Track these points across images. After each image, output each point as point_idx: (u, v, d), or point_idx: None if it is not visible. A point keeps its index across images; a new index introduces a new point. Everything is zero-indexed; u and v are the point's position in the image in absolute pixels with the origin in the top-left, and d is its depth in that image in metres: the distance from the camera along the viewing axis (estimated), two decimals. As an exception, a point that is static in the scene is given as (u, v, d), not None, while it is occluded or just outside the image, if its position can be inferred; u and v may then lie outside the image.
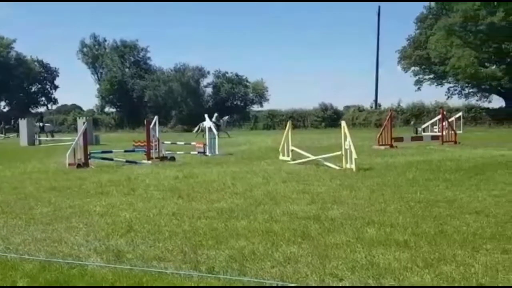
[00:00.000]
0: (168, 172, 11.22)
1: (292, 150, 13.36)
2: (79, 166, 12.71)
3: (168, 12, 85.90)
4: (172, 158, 14.48)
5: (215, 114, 34.44)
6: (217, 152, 16.05)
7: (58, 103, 65.70)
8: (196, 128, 33.43)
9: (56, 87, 65.04)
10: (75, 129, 29.13)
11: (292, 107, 49.00)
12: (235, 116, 36.15)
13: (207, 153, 15.95)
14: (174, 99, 51.08)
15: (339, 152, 11.54)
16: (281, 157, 13.64)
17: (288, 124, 13.93)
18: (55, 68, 64.86)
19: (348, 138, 11.24)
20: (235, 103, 53.30)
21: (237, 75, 53.74)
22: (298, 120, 46.16)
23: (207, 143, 16.16)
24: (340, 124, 12.05)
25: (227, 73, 53.80)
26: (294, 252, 4.50)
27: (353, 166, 10.88)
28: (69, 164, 12.92)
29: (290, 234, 5.14)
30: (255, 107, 53.74)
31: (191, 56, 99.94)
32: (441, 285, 3.65)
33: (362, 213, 6.17)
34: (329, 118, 45.43)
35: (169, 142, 18.67)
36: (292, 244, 4.76)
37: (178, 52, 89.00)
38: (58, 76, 64.70)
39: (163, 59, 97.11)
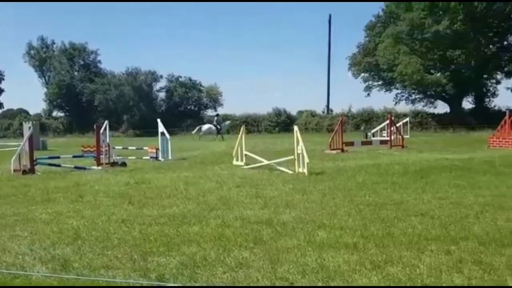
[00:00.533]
0: (119, 178, 10.98)
1: (245, 155, 13.39)
2: (24, 172, 12.23)
3: (119, 16, 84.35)
4: (123, 164, 14.19)
5: (216, 117, 34.73)
6: (170, 157, 15.87)
7: (3, 107, 62.97)
8: (196, 130, 33.66)
9: (1, 91, 62.37)
10: (21, 134, 28.05)
11: (246, 112, 49.19)
12: (228, 123, 36.28)
13: (160, 158, 15.74)
14: (125, 104, 50.10)
15: (292, 157, 11.67)
16: (234, 162, 13.64)
17: (242, 129, 13.96)
18: (0, 71, 62.26)
19: (301, 143, 11.38)
20: (188, 108, 52.89)
21: (190, 79, 53.37)
22: (252, 124, 46.35)
23: (160, 148, 15.96)
24: (293, 129, 12.19)
25: (180, 77, 53.36)
26: (246, 257, 4.50)
27: (305, 170, 11.03)
28: (14, 171, 12.42)
29: (242, 239, 5.14)
30: (209, 112, 53.54)
31: (144, 60, 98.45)
32: (388, 285, 3.75)
33: (314, 217, 6.25)
34: (282, 123, 45.84)
35: (120, 147, 18.30)
36: (244, 249, 4.76)
37: (129, 56, 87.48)
38: (3, 79, 62.06)
39: (114, 62, 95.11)
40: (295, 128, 12.09)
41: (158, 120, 16.90)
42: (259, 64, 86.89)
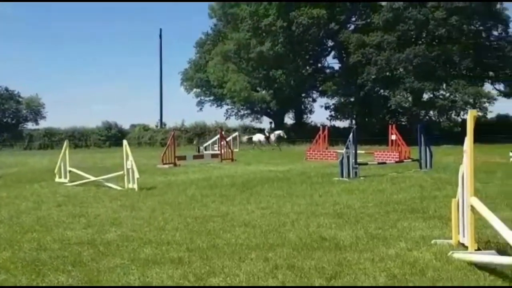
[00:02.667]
0: None
1: (70, 171, 12.57)
2: None
3: None
4: None
5: (269, 127, 33.09)
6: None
7: None
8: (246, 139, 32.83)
9: None
10: None
11: (73, 125, 46.23)
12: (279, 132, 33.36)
13: (-34, 178, 13.88)
14: None
15: (122, 172, 11.31)
16: (57, 179, 12.70)
17: (65, 143, 13.07)
18: None
19: (130, 157, 11.10)
20: (5, 121, 47.73)
21: (7, 89, 48.33)
22: (79, 139, 43.74)
23: None
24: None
25: (-6, 87, 47.92)
26: (62, 281, 4.21)
27: (135, 186, 10.78)
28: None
29: (59, 262, 4.80)
30: (30, 125, 49.01)
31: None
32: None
33: (141, 234, 6.13)
34: (113, 136, 44.11)
35: None
36: (61, 273, 4.45)
37: None
38: None
39: None
40: (124, 142, 11.76)
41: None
42: (87, 75, 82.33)
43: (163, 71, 49.89)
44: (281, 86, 41.35)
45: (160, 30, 50.49)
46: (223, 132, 24.35)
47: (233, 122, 46.37)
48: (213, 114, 59.49)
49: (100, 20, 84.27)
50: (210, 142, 29.22)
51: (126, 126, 48.54)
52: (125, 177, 11.16)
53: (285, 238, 5.67)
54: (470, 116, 4.91)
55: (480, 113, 41.76)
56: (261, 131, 35.68)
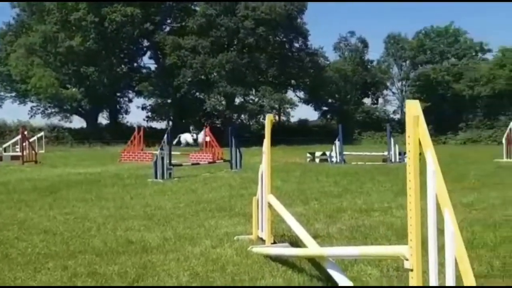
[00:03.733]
0: None
1: None
2: None
3: None
4: None
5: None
6: None
7: None
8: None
9: None
10: None
11: None
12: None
13: None
14: None
15: None
16: None
17: None
18: None
19: None
20: None
21: None
22: None
23: None
24: None
25: None
26: None
27: None
28: None
29: None
30: None
31: None
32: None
33: None
34: None
35: None
36: None
37: None
38: None
39: None
40: None
41: None
42: None
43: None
44: (94, 84, 39.43)
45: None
46: (25, 132, 22.14)
47: (39, 121, 42.66)
48: (15, 112, 53.92)
49: None
50: (10, 143, 26.31)
51: None
52: None
53: (88, 244, 5.39)
54: (267, 120, 5.32)
55: (284, 118, 45.82)
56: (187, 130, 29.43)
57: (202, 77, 39.71)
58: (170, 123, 43.36)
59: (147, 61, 46.01)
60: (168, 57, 38.71)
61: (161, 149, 13.29)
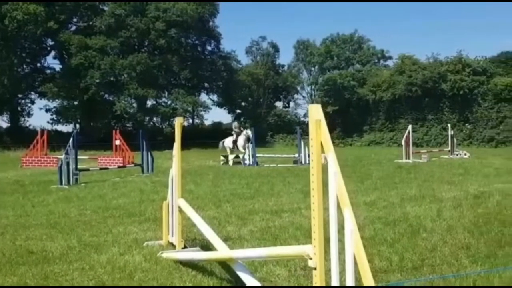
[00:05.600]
0: None
1: None
2: None
3: None
4: None
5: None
6: None
7: None
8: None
9: None
10: None
11: None
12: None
13: None
14: None
15: None
16: None
17: None
18: None
19: None
20: None
21: None
22: None
23: None
24: None
25: None
26: None
27: None
28: None
29: None
30: None
31: None
32: None
33: None
34: None
35: None
36: None
37: None
38: None
39: None
40: None
41: None
42: None
43: None
44: (-9, 85, 36.64)
45: None
46: None
47: None
48: None
49: None
50: None
51: None
52: None
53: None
54: (177, 123, 5.27)
55: (198, 121, 45.60)
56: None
57: (112, 78, 38.36)
58: (78, 126, 41.43)
59: (52, 61, 43.60)
60: (74, 57, 36.94)
61: (66, 153, 12.67)
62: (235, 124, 22.77)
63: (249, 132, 19.85)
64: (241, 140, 19.78)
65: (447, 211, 7.29)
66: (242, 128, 21.55)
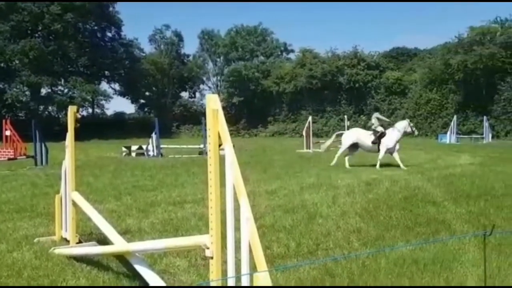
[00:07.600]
0: None
1: None
2: None
3: None
4: None
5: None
6: None
7: None
8: None
9: None
10: None
11: None
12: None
13: None
14: None
15: None
16: None
17: None
18: None
19: None
20: None
21: None
22: None
23: None
24: None
25: None
26: None
27: None
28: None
29: None
30: None
31: None
32: None
33: None
34: None
35: None
36: None
37: None
38: None
39: None
40: None
41: None
42: None
43: None
44: None
45: None
46: None
47: None
48: None
49: None
50: None
51: None
52: None
53: None
54: (70, 112, 5.00)
55: (98, 110, 43.75)
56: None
57: (2, 64, 35.52)
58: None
59: None
60: (-43, 41, 33.74)
61: None
62: None
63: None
64: None
65: (341, 198, 7.70)
66: None
